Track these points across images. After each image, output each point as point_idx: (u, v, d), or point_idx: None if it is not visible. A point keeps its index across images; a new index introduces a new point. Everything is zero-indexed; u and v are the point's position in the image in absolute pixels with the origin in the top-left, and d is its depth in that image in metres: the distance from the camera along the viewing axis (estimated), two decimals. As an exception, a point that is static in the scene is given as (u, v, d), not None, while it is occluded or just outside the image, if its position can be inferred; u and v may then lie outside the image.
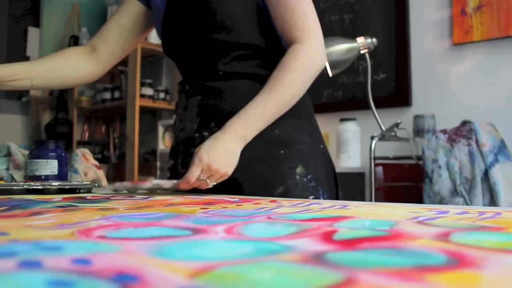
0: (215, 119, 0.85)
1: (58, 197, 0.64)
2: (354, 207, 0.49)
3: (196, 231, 0.31)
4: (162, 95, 3.06)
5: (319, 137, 0.91)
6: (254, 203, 0.54)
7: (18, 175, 0.87)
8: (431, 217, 0.39)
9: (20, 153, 0.89)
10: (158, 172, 2.86)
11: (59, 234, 0.30)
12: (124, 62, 3.07)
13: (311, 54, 0.81)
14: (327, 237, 0.29)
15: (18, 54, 3.96)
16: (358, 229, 0.33)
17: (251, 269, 0.21)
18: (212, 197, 0.65)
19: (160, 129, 2.92)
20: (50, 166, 0.84)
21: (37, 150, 0.85)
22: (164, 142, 2.92)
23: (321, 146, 0.90)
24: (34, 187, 0.70)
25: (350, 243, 0.27)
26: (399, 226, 0.34)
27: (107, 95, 3.24)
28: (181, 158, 0.91)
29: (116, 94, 3.20)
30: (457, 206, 0.58)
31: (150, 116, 3.29)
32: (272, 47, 0.87)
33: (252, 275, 0.20)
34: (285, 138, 0.83)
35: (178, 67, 0.96)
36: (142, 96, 2.94)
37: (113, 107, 3.23)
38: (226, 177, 0.77)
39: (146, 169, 3.06)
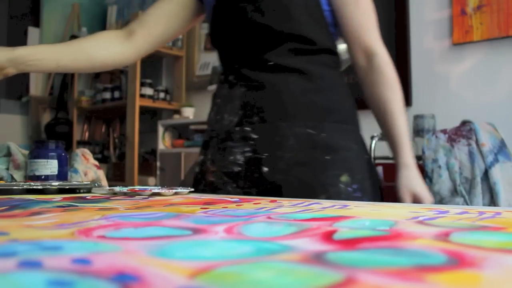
0: (259, 113, 0.81)
1: (58, 197, 0.64)
2: (354, 207, 0.49)
3: (196, 231, 0.31)
4: (162, 95, 3.06)
5: (364, 146, 0.87)
6: (254, 203, 0.54)
7: (18, 175, 0.87)
8: (431, 217, 0.39)
9: (20, 153, 0.89)
10: (158, 172, 2.86)
11: (59, 234, 0.30)
12: (124, 62, 3.07)
13: (392, 65, 0.84)
14: (327, 237, 0.29)
15: (18, 54, 3.95)
16: (358, 229, 0.33)
17: (251, 269, 0.21)
18: (212, 197, 0.65)
19: (160, 129, 2.92)
20: (50, 166, 0.84)
21: (37, 150, 0.85)
22: (164, 142, 2.92)
23: (367, 156, 0.85)
24: (34, 187, 0.70)
25: (350, 243, 0.27)
26: (399, 226, 0.34)
27: (107, 95, 3.24)
28: (212, 154, 0.86)
29: (116, 94, 3.20)
30: (457, 206, 0.58)
31: (150, 116, 3.30)
32: (324, 45, 0.83)
33: (252, 275, 0.20)
34: (332, 143, 0.79)
35: (220, 56, 0.91)
36: (142, 96, 2.94)
37: (113, 107, 3.23)
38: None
39: (146, 169, 3.06)
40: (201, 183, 0.88)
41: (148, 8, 0.95)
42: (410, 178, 0.79)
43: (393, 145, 0.82)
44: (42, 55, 0.83)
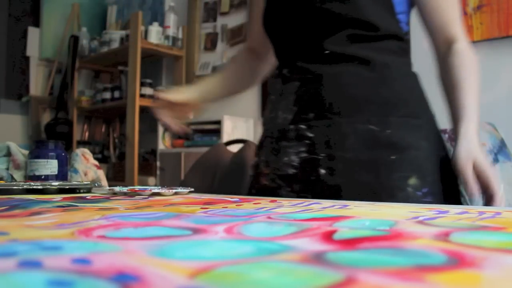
0: (314, 109, 0.73)
1: (58, 197, 0.64)
2: (354, 207, 0.49)
3: (196, 231, 0.31)
4: (162, 95, 3.06)
5: (439, 142, 0.76)
6: (254, 203, 0.54)
7: (18, 175, 0.87)
8: (431, 217, 0.39)
9: (20, 153, 0.89)
10: (158, 172, 2.86)
11: (59, 234, 0.30)
12: (124, 62, 3.07)
13: (474, 53, 0.77)
14: (327, 237, 0.29)
15: (18, 54, 3.96)
16: (358, 229, 0.33)
17: (251, 269, 0.21)
18: (212, 197, 0.65)
19: (160, 129, 2.92)
20: (50, 166, 0.84)
21: (37, 150, 0.85)
22: (164, 142, 2.92)
23: (443, 154, 0.75)
24: (34, 187, 0.70)
25: (350, 243, 0.27)
26: (399, 226, 0.34)
27: (107, 95, 3.24)
28: (266, 155, 0.79)
29: (116, 94, 3.20)
30: (457, 206, 0.58)
31: (150, 116, 3.29)
32: (388, 30, 0.75)
33: (252, 275, 0.20)
34: (398, 141, 0.70)
35: (275, 49, 0.84)
36: (142, 96, 2.94)
37: (113, 107, 3.23)
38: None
39: (146, 169, 3.06)
40: (254, 187, 0.83)
41: (248, 23, 0.99)
42: (470, 148, 0.68)
43: (455, 116, 0.72)
44: (217, 91, 0.95)
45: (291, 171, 0.74)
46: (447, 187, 0.72)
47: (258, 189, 0.80)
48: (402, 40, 0.78)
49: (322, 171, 0.71)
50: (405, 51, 0.79)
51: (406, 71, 0.78)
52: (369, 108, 0.71)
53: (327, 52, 0.73)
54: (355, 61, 0.73)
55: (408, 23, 0.81)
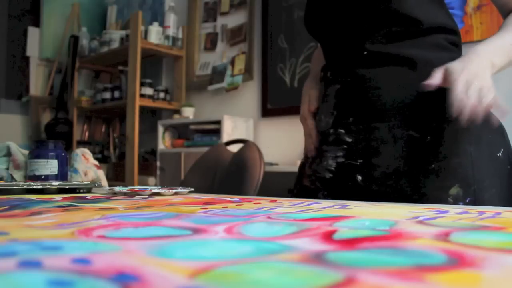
0: (353, 113, 0.71)
1: (58, 197, 0.64)
2: (354, 207, 0.49)
3: (196, 231, 0.31)
4: (162, 94, 3.06)
5: (494, 141, 0.69)
6: (254, 203, 0.54)
7: (18, 175, 0.87)
8: (431, 217, 0.39)
9: (20, 153, 0.89)
10: (158, 172, 2.86)
11: (59, 234, 0.30)
12: (124, 61, 3.07)
13: None
14: (327, 237, 0.29)
15: (18, 54, 3.96)
16: (358, 229, 0.33)
17: (251, 269, 0.21)
18: (212, 197, 0.65)
19: (160, 129, 2.92)
20: (50, 166, 0.84)
21: (37, 150, 0.85)
22: (164, 142, 2.92)
23: (499, 153, 0.68)
24: (34, 187, 0.70)
25: (350, 243, 0.27)
26: (399, 226, 0.34)
27: (107, 95, 3.24)
28: (312, 157, 0.79)
29: (116, 94, 3.20)
30: (457, 206, 0.58)
31: (150, 116, 3.30)
32: (434, 22, 0.70)
33: (252, 275, 0.20)
34: (439, 149, 0.66)
35: (323, 50, 0.81)
36: (142, 96, 2.94)
37: (113, 107, 3.23)
38: (493, 93, 0.60)
39: (146, 169, 3.06)
40: (296, 186, 0.83)
41: None
42: (457, 62, 0.62)
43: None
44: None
45: (328, 175, 0.73)
46: (499, 192, 0.67)
47: (300, 189, 0.81)
48: (452, 32, 0.72)
49: (359, 177, 0.69)
50: (455, 45, 0.73)
51: None
52: (409, 112, 0.67)
53: (365, 53, 0.71)
54: (396, 61, 0.69)
55: (462, 20, 0.77)
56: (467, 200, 0.64)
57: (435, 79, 0.62)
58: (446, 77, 0.62)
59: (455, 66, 0.62)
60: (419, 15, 0.68)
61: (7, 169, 0.87)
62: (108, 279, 0.18)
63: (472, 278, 0.19)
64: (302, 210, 0.45)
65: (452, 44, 0.72)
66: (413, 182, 0.66)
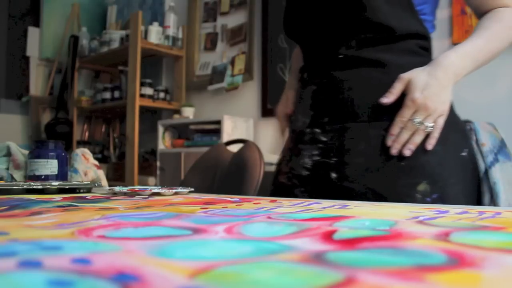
0: (329, 113, 0.74)
1: (58, 197, 0.64)
2: (354, 207, 0.49)
3: (196, 230, 0.31)
4: (162, 94, 3.06)
5: (460, 142, 0.74)
6: (254, 203, 0.54)
7: (18, 175, 0.87)
8: (431, 217, 0.39)
9: (20, 153, 0.89)
10: (158, 172, 2.86)
11: (59, 234, 0.30)
12: (124, 61, 3.07)
13: None
14: (327, 236, 0.29)
15: (18, 54, 3.96)
16: (358, 229, 0.33)
17: (251, 269, 0.21)
18: (212, 197, 0.65)
19: (160, 129, 2.92)
20: (50, 166, 0.84)
21: (37, 150, 0.85)
22: (164, 142, 2.92)
23: (463, 153, 0.73)
24: (34, 187, 0.70)
25: (350, 243, 0.27)
26: (399, 226, 0.34)
27: (107, 95, 3.24)
28: (287, 154, 0.81)
29: (116, 93, 3.20)
30: (457, 205, 0.58)
31: (150, 116, 3.30)
32: (407, 30, 0.73)
33: (252, 275, 0.20)
34: None
35: (302, 51, 0.84)
36: (142, 95, 2.94)
37: (113, 106, 3.23)
38: (444, 116, 0.67)
39: (146, 169, 3.06)
40: (274, 183, 0.85)
41: None
42: (422, 75, 0.67)
43: None
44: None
45: (305, 173, 0.76)
46: (463, 188, 0.71)
47: (276, 186, 0.83)
48: (424, 38, 0.75)
49: (333, 175, 0.72)
50: (426, 49, 0.77)
51: None
52: (382, 112, 0.70)
53: (341, 56, 0.73)
54: (369, 64, 0.72)
55: (434, 27, 0.80)
56: (434, 196, 0.68)
57: (393, 94, 0.68)
58: (407, 87, 0.67)
59: (418, 81, 0.66)
60: (392, 23, 0.71)
61: (7, 169, 0.87)
62: (108, 279, 0.18)
63: (472, 278, 0.19)
64: (302, 210, 0.45)
65: (423, 49, 0.76)
66: (384, 179, 0.69)
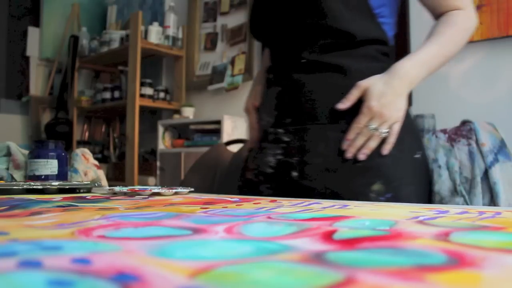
0: (292, 115, 0.77)
1: (58, 197, 0.64)
2: (354, 207, 0.49)
3: (196, 230, 0.31)
4: (162, 94, 3.06)
5: (414, 145, 0.77)
6: (254, 203, 0.54)
7: (18, 175, 0.87)
8: (431, 217, 0.39)
9: (20, 153, 0.89)
10: (158, 172, 2.86)
11: (59, 233, 0.30)
12: (124, 62, 3.07)
13: (473, 19, 0.77)
14: (327, 236, 0.29)
15: (18, 54, 3.96)
16: (358, 229, 0.33)
17: (251, 269, 0.21)
18: (212, 197, 0.65)
19: (160, 129, 2.92)
20: (50, 166, 0.84)
21: (37, 150, 0.85)
22: (164, 142, 2.92)
23: (416, 156, 0.77)
24: (34, 187, 0.70)
25: (350, 243, 0.27)
26: (399, 226, 0.34)
27: (107, 95, 3.24)
28: (254, 152, 0.84)
29: (116, 93, 3.20)
30: (457, 206, 0.58)
31: (150, 116, 3.30)
32: (367, 35, 0.76)
33: (252, 275, 0.20)
34: None
35: (270, 52, 0.87)
36: (142, 95, 2.94)
37: (113, 106, 3.23)
38: (399, 123, 0.71)
39: (146, 169, 3.06)
40: (240, 179, 0.89)
41: None
42: (378, 83, 0.70)
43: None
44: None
45: (269, 170, 0.79)
46: (416, 189, 0.75)
47: (244, 182, 0.86)
48: (384, 43, 0.79)
49: (294, 173, 0.75)
50: (387, 55, 0.80)
51: None
52: (340, 116, 0.73)
53: (303, 61, 0.76)
54: (331, 69, 0.75)
55: (394, 26, 0.82)
56: (388, 195, 0.71)
57: (349, 100, 0.71)
58: (364, 95, 0.70)
59: (375, 89, 0.70)
60: (352, 29, 0.74)
61: (7, 169, 0.87)
62: (108, 279, 0.18)
63: (472, 278, 0.19)
64: (302, 210, 0.45)
65: (383, 55, 0.79)
66: (340, 179, 0.72)
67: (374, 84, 0.70)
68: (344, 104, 0.71)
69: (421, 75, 0.73)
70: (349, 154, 0.71)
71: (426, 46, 0.74)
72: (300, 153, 0.75)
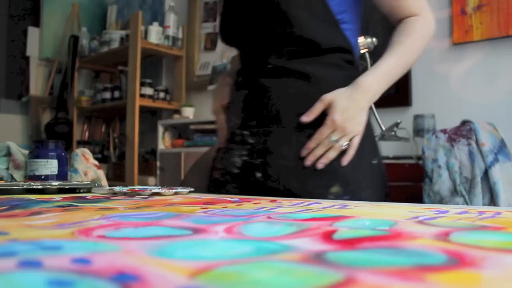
0: (257, 117, 0.80)
1: (58, 197, 0.64)
2: (354, 207, 0.49)
3: (196, 230, 0.31)
4: (162, 94, 3.06)
5: (371, 151, 0.81)
6: (254, 203, 0.54)
7: (18, 175, 0.87)
8: (431, 217, 0.39)
9: (20, 153, 0.89)
10: (158, 172, 2.86)
11: (59, 233, 0.30)
12: (124, 61, 3.07)
13: (431, 25, 0.79)
14: (327, 236, 0.29)
15: (18, 54, 3.96)
16: (358, 229, 0.33)
17: (251, 269, 0.21)
18: (212, 197, 0.65)
19: (160, 129, 2.92)
20: (50, 166, 0.84)
21: (37, 150, 0.85)
22: (164, 142, 2.92)
23: (374, 161, 0.80)
24: (34, 187, 0.70)
25: (350, 243, 0.27)
26: (399, 226, 0.34)
27: (107, 95, 3.24)
28: (222, 152, 0.86)
29: (116, 93, 3.20)
30: (457, 206, 0.58)
31: (150, 116, 3.29)
32: (331, 44, 0.79)
33: (252, 275, 0.20)
34: None
35: (240, 56, 0.90)
36: (142, 95, 2.94)
37: (113, 106, 3.23)
38: (359, 136, 0.74)
39: (146, 169, 3.06)
40: (209, 179, 0.90)
41: None
42: (343, 98, 0.72)
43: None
44: None
45: (235, 170, 0.81)
46: (373, 193, 0.78)
47: (211, 181, 0.88)
48: (348, 52, 0.81)
49: (258, 174, 0.78)
50: (351, 62, 0.82)
51: (345, 83, 0.77)
52: (305, 124, 0.75)
53: (270, 66, 0.79)
54: (295, 75, 0.78)
55: (357, 31, 0.84)
56: (346, 198, 0.73)
57: (313, 113, 0.74)
58: (328, 108, 0.73)
59: (339, 103, 0.72)
60: (317, 38, 0.77)
61: (7, 169, 0.87)
62: (108, 279, 0.18)
63: (472, 278, 0.19)
64: (302, 210, 0.45)
65: (347, 63, 0.81)
66: (301, 181, 0.75)
67: (338, 99, 0.73)
68: (308, 117, 0.74)
69: (383, 87, 0.75)
70: (307, 162, 0.74)
71: (387, 57, 0.76)
72: (263, 155, 0.77)
